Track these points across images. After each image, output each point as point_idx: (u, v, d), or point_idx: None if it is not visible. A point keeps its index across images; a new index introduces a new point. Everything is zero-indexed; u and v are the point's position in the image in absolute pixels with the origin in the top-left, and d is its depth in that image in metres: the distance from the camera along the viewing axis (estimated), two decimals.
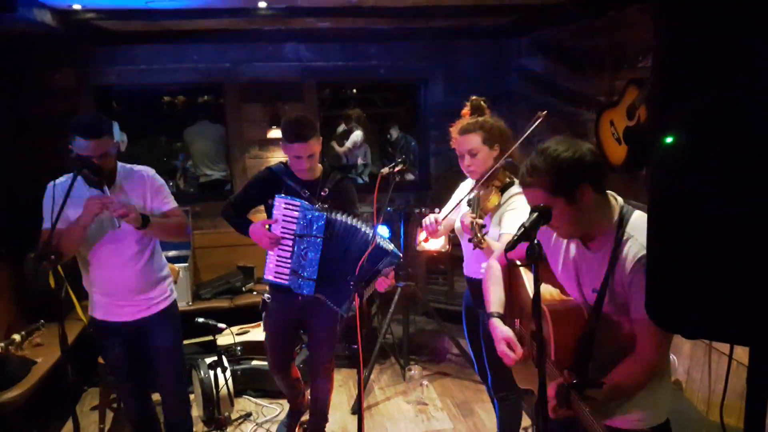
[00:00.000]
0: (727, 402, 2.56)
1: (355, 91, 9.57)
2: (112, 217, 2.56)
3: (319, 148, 3.01)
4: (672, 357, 3.00)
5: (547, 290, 1.99)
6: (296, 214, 2.93)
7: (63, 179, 2.72)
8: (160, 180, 2.91)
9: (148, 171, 2.90)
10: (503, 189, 2.69)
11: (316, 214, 2.90)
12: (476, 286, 2.94)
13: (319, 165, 3.12)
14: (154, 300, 2.91)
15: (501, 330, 2.03)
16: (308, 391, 3.53)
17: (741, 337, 1.24)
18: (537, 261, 1.54)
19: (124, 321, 2.87)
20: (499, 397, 3.03)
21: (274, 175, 3.07)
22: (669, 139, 1.12)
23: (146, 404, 3.10)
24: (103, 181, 2.62)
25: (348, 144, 7.40)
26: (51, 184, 2.69)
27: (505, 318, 2.10)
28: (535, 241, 1.56)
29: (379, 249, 2.81)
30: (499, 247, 2.61)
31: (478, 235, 2.49)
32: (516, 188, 2.69)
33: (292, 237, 2.95)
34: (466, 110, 2.80)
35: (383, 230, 4.42)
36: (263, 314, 3.31)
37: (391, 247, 2.89)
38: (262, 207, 3.16)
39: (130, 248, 2.79)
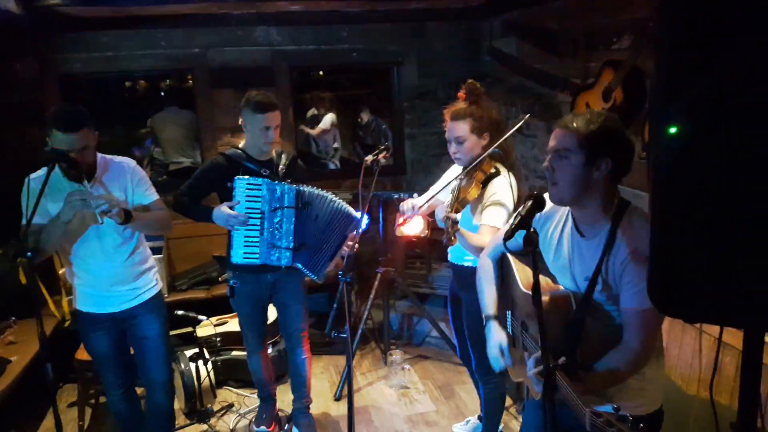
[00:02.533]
0: (705, 377, 2.65)
1: (321, 73, 9.44)
2: (94, 213, 2.49)
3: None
4: None
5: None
6: (259, 192, 3.04)
7: (40, 173, 2.62)
8: (141, 171, 2.86)
9: (129, 162, 2.84)
10: (487, 180, 2.69)
11: (286, 186, 3.06)
12: (460, 272, 2.96)
13: None
14: (140, 290, 2.88)
15: (496, 335, 2.09)
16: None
17: (738, 321, 1.27)
18: (535, 249, 1.55)
19: (111, 312, 2.84)
20: (484, 380, 3.07)
21: (229, 160, 3.14)
22: (673, 129, 1.13)
23: (131, 396, 3.07)
24: (82, 175, 2.54)
25: (321, 126, 7.31)
26: (27, 178, 2.61)
27: (499, 312, 2.13)
28: (532, 229, 1.57)
29: (346, 215, 3.12)
30: (478, 239, 2.62)
31: (450, 230, 2.50)
32: (500, 179, 2.68)
33: (259, 215, 3.06)
34: (461, 93, 2.77)
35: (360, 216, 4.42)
36: (231, 300, 3.36)
37: (354, 212, 3.15)
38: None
39: (114, 241, 2.75)
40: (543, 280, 1.99)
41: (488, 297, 2.19)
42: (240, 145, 3.19)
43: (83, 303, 2.84)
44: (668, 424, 1.94)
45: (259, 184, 3.04)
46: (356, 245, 3.07)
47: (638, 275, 1.68)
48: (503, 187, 2.64)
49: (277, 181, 3.07)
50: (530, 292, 1.86)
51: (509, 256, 2.13)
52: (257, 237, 3.08)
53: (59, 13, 4.08)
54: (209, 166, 3.19)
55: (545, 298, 1.84)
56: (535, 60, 4.43)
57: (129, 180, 2.78)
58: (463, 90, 2.76)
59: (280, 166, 3.18)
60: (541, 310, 1.54)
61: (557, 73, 4.14)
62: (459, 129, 2.69)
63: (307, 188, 3.11)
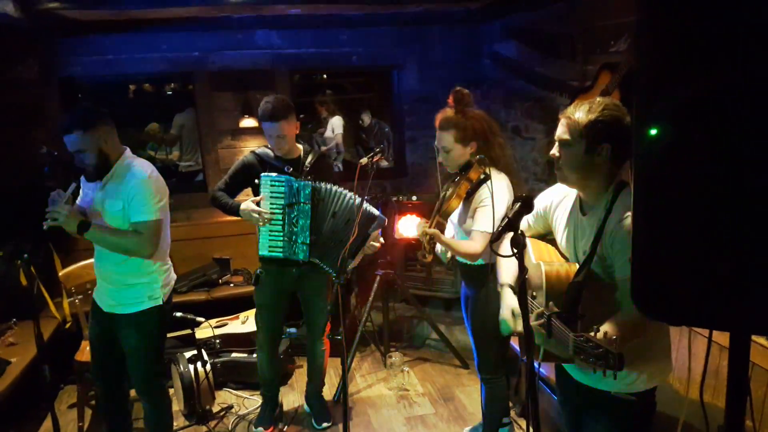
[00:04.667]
0: (695, 377, 2.64)
1: (325, 76, 9.45)
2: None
3: (293, 131, 3.22)
4: None
5: (547, 251, 2.09)
6: (282, 189, 3.18)
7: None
8: (147, 188, 2.70)
9: (140, 175, 2.71)
10: (476, 187, 2.70)
11: (302, 183, 3.18)
12: (463, 269, 2.98)
13: (299, 145, 3.35)
14: (123, 300, 2.86)
15: (510, 299, 2.12)
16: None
17: (724, 323, 1.27)
18: (522, 250, 1.56)
19: (101, 308, 2.93)
20: (485, 378, 3.08)
21: (258, 157, 3.30)
22: (654, 131, 1.14)
23: (115, 390, 3.09)
24: (79, 177, 2.61)
25: (339, 131, 7.37)
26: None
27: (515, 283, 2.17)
28: (519, 231, 1.58)
29: (367, 214, 3.11)
30: (468, 245, 2.64)
31: (426, 246, 2.50)
32: (488, 185, 2.69)
33: (282, 210, 3.19)
34: (450, 100, 2.79)
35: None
36: (255, 288, 3.43)
37: (377, 211, 3.18)
38: (247, 190, 3.36)
39: None
40: (554, 253, 2.07)
41: (506, 268, 2.24)
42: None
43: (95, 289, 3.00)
44: (660, 426, 1.94)
45: (282, 181, 3.17)
46: (382, 242, 3.21)
47: (628, 245, 1.70)
48: (489, 192, 2.66)
49: (298, 178, 3.20)
50: (541, 262, 1.95)
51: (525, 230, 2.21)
52: (280, 231, 3.22)
53: (58, 16, 4.09)
54: (241, 164, 3.34)
55: (552, 268, 1.92)
56: (535, 63, 4.43)
57: (128, 191, 2.68)
58: (451, 98, 2.78)
59: (306, 164, 3.29)
60: (527, 308, 1.56)
61: (556, 76, 4.14)
62: (444, 139, 2.75)
63: (324, 185, 3.20)
